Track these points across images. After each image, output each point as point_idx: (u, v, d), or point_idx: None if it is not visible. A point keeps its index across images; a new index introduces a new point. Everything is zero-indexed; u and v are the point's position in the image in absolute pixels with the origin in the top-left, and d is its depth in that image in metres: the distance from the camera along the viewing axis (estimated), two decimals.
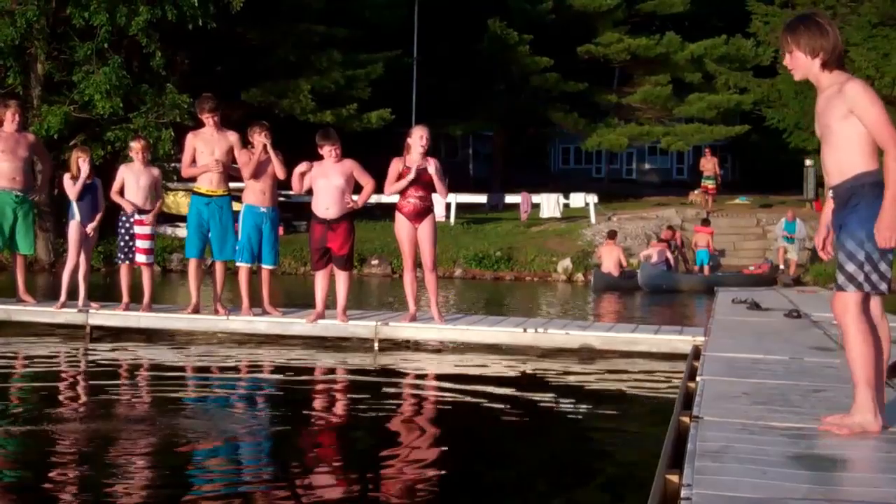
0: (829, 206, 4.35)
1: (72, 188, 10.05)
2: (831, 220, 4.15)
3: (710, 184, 29.69)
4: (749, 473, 3.27)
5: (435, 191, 9.35)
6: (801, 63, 4.10)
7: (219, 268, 10.06)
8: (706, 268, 23.06)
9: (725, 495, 3.02)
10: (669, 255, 22.46)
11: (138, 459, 5.10)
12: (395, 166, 9.26)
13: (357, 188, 9.49)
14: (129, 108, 23.54)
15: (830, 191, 4.09)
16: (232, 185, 10.10)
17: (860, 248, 3.89)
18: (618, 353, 8.98)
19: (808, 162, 29.58)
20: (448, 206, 28.01)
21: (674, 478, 3.39)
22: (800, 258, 24.28)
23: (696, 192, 31.21)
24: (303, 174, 9.35)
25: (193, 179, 10.00)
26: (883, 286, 3.94)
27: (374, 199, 21.25)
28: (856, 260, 3.91)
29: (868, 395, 3.90)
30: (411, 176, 9.14)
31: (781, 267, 23.37)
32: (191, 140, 9.84)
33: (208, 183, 9.77)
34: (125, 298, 10.18)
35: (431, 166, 9.16)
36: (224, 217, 9.88)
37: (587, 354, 8.96)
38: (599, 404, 6.91)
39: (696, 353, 6.90)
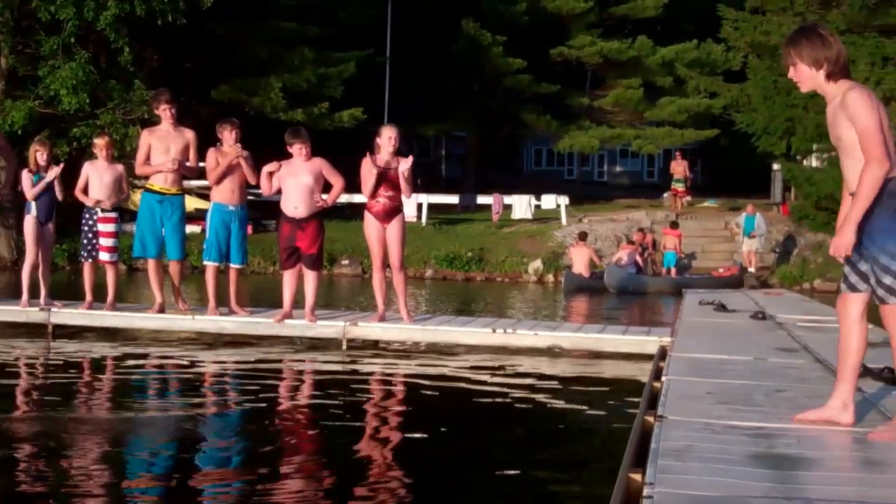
0: (844, 211, 4.21)
1: (29, 187, 9.89)
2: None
3: (679, 187, 29.89)
4: (711, 472, 3.28)
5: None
6: (806, 75, 4.11)
7: (175, 267, 9.94)
8: (673, 270, 23.21)
9: (687, 494, 3.02)
10: (639, 257, 22.58)
11: (94, 459, 5.05)
12: (367, 166, 9.22)
13: (327, 187, 9.46)
14: (96, 104, 23.33)
15: (852, 196, 4.09)
16: (195, 183, 9.99)
17: (893, 260, 3.92)
18: (586, 353, 9.01)
19: (775, 166, 29.83)
20: (420, 206, 28.00)
21: (637, 476, 3.39)
22: (764, 260, 24.51)
23: (666, 194, 31.42)
24: (271, 174, 9.30)
25: (147, 177, 9.87)
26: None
27: (345, 198, 21.20)
28: (892, 272, 3.93)
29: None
30: (374, 170, 9.08)
31: (751, 269, 23.57)
32: (146, 137, 9.71)
33: (163, 181, 9.62)
34: (88, 297, 10.07)
35: (403, 165, 9.13)
36: (177, 216, 9.76)
37: (556, 355, 8.97)
38: (566, 404, 6.93)
39: (663, 353, 6.92)
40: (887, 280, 3.94)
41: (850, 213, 3.86)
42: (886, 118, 4.00)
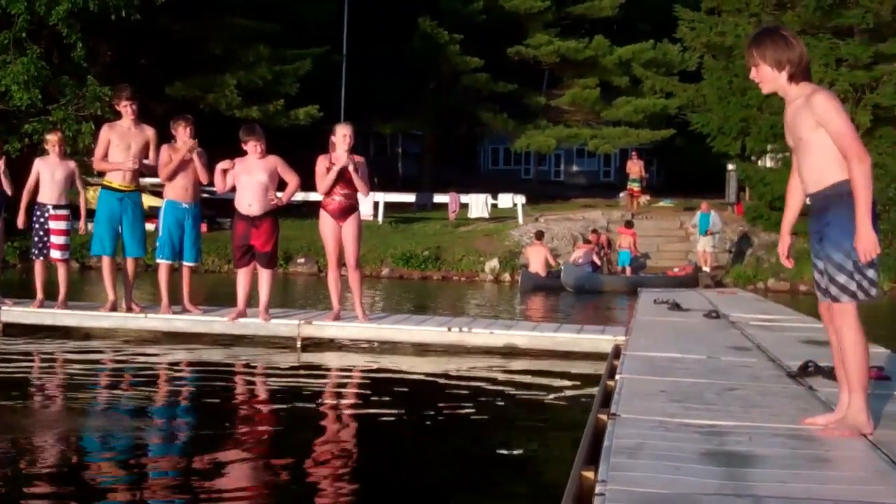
0: (788, 217, 4.42)
1: None
2: (809, 226, 4.16)
3: (635, 187, 30.11)
4: (663, 469, 3.30)
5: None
6: (768, 76, 4.12)
7: (129, 264, 9.83)
8: (628, 269, 23.37)
9: (639, 491, 3.03)
10: (596, 257, 22.72)
11: (43, 460, 4.97)
12: (322, 164, 9.18)
13: (282, 185, 9.40)
14: (49, 100, 23.04)
15: (808, 198, 4.14)
16: (150, 180, 9.89)
17: (848, 259, 3.94)
18: (541, 352, 9.03)
19: (730, 166, 30.12)
20: (376, 204, 27.93)
21: (589, 474, 3.39)
22: (719, 259, 24.72)
23: (622, 194, 31.64)
24: (225, 171, 9.22)
25: (103, 173, 9.75)
26: (874, 291, 4.01)
27: (301, 196, 21.12)
28: (846, 270, 3.96)
29: (863, 399, 3.98)
30: (339, 166, 9.04)
31: (705, 268, 23.78)
32: (105, 132, 9.57)
33: (121, 178, 9.50)
34: (39, 295, 9.93)
35: (351, 165, 9.08)
36: (135, 213, 9.66)
37: (511, 353, 8.98)
38: (521, 402, 6.94)
39: (617, 352, 6.95)
40: (841, 278, 3.98)
41: (858, 211, 3.85)
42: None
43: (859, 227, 3.86)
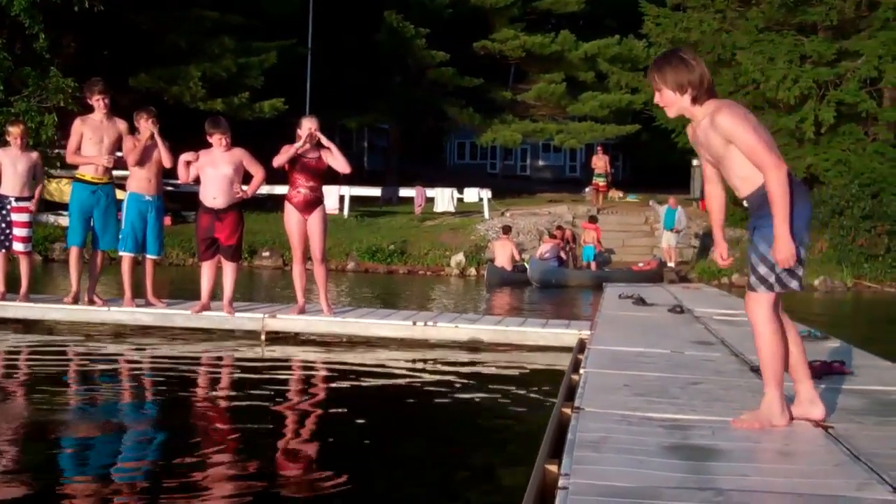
0: (715, 225, 4.54)
1: None
2: (748, 223, 4.21)
3: (601, 181, 30.22)
4: (626, 463, 3.31)
5: (325, 182, 9.29)
6: (672, 100, 4.14)
7: (98, 257, 9.78)
8: (593, 264, 23.47)
9: (602, 484, 3.04)
10: (562, 252, 22.80)
11: (8, 454, 4.91)
12: (286, 148, 9.15)
13: (248, 178, 9.35)
14: (11, 91, 22.76)
15: (744, 201, 4.17)
16: (116, 172, 9.84)
17: (771, 251, 3.98)
18: (506, 346, 9.05)
19: (695, 162, 30.31)
20: (342, 198, 27.87)
21: (553, 467, 3.40)
22: (683, 255, 24.89)
23: (588, 189, 31.76)
24: (188, 163, 9.17)
25: (76, 166, 9.72)
26: (794, 283, 4.04)
27: (266, 189, 21.01)
28: (767, 262, 4.00)
29: (777, 394, 4.00)
30: (299, 144, 9.01)
31: (670, 264, 23.94)
32: (78, 126, 9.52)
33: (93, 170, 9.49)
34: (1, 288, 9.81)
35: (322, 141, 9.08)
36: (108, 205, 9.63)
37: (476, 348, 9.00)
38: (485, 396, 6.95)
39: (581, 346, 6.97)
40: (762, 269, 4.03)
41: (776, 221, 3.89)
42: (758, 122, 4.06)
43: (777, 236, 3.90)
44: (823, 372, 5.27)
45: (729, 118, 3.99)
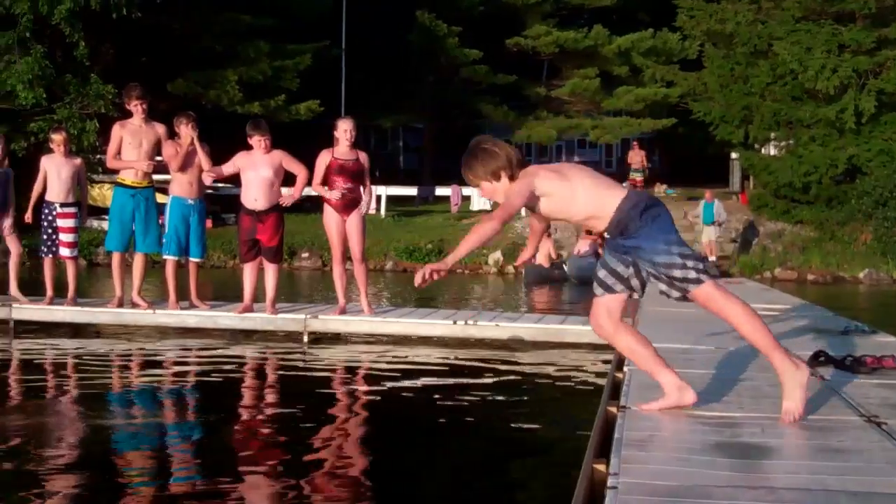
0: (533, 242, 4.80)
1: None
2: (612, 251, 4.24)
3: (637, 176, 30.04)
4: (675, 462, 3.30)
5: (363, 183, 9.34)
6: (492, 189, 4.22)
7: (139, 260, 9.88)
8: None
9: (650, 483, 3.03)
10: (600, 248, 22.68)
11: (65, 454, 4.99)
12: (323, 158, 9.20)
13: (287, 179, 9.40)
14: (53, 98, 23.08)
15: (605, 233, 4.22)
16: (156, 176, 9.95)
17: (671, 254, 4.05)
18: (547, 344, 9.03)
19: (733, 154, 30.09)
20: (378, 198, 27.93)
21: (601, 467, 3.40)
22: (724, 249, 24.67)
23: (625, 184, 31.58)
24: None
25: (116, 171, 9.85)
26: (708, 268, 4.18)
27: (304, 191, 21.09)
28: (678, 264, 4.06)
29: (783, 356, 4.08)
30: (332, 196, 9.15)
31: (711, 258, 23.76)
32: (117, 131, 9.66)
33: (133, 175, 9.64)
34: (49, 292, 9.98)
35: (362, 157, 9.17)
36: (148, 209, 9.75)
37: (517, 346, 8.99)
38: (528, 395, 6.95)
39: None
40: (677, 273, 4.06)
41: (452, 254, 3.96)
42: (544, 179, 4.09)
43: (447, 262, 3.95)
44: (874, 367, 5.22)
45: (519, 184, 4.09)
